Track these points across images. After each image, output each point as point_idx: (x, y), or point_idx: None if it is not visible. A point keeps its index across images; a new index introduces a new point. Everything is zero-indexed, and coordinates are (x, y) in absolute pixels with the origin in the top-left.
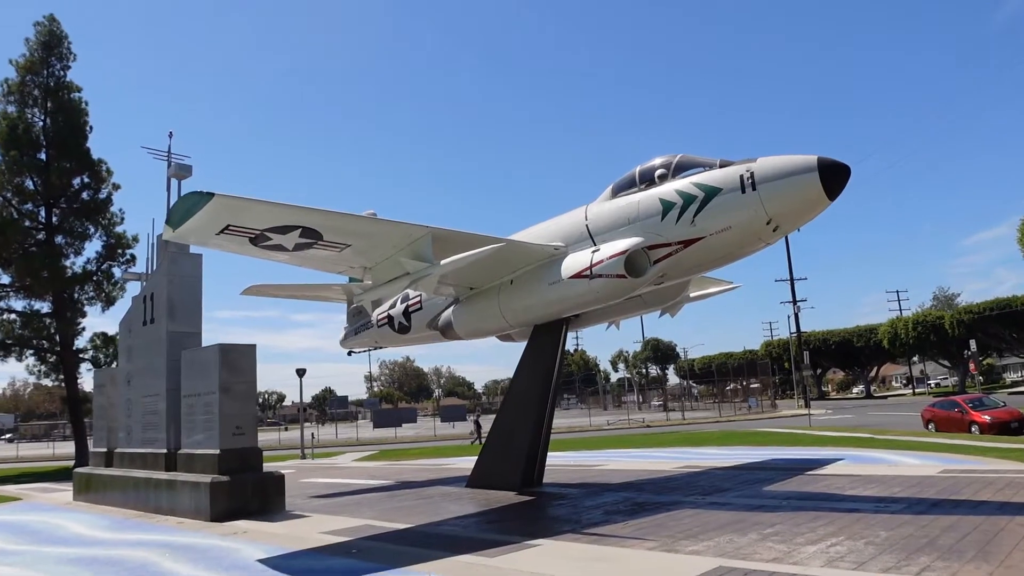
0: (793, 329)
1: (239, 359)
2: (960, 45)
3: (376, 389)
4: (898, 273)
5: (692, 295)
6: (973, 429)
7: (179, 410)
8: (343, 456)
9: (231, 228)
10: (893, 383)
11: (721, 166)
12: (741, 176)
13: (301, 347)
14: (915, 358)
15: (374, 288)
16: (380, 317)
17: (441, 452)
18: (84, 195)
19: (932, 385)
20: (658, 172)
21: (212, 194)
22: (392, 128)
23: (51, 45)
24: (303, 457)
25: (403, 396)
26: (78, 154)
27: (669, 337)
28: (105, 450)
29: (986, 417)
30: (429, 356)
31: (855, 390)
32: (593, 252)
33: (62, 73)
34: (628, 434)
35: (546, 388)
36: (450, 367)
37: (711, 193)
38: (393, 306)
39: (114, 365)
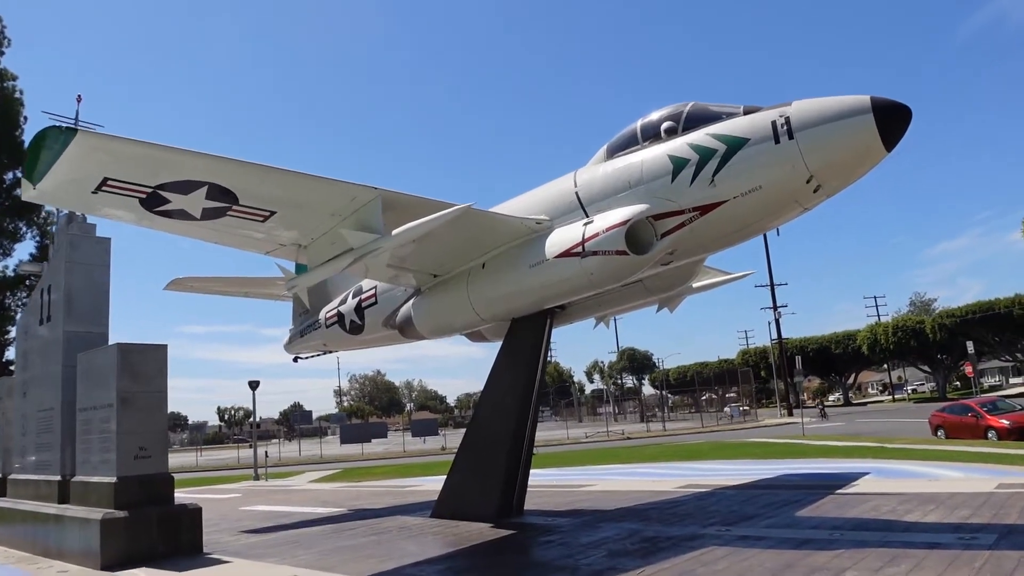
0: (772, 336)
1: (143, 362)
2: (919, 60)
3: (346, 404)
4: (865, 283)
5: (695, 285)
6: (990, 435)
7: (75, 428)
8: (301, 476)
9: (112, 183)
10: (869, 390)
11: (746, 112)
12: (773, 123)
13: (272, 362)
14: (886, 365)
15: (311, 271)
16: (329, 315)
17: (408, 471)
18: (17, 192)
19: (910, 391)
20: (665, 125)
21: (74, 130)
22: (359, 110)
23: None
24: (256, 478)
25: (374, 411)
26: (11, 147)
27: (644, 347)
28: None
29: (1004, 422)
30: (400, 370)
31: (831, 397)
32: (585, 225)
33: None
34: (609, 447)
35: (527, 395)
36: (422, 381)
37: (735, 145)
38: (344, 302)
39: None
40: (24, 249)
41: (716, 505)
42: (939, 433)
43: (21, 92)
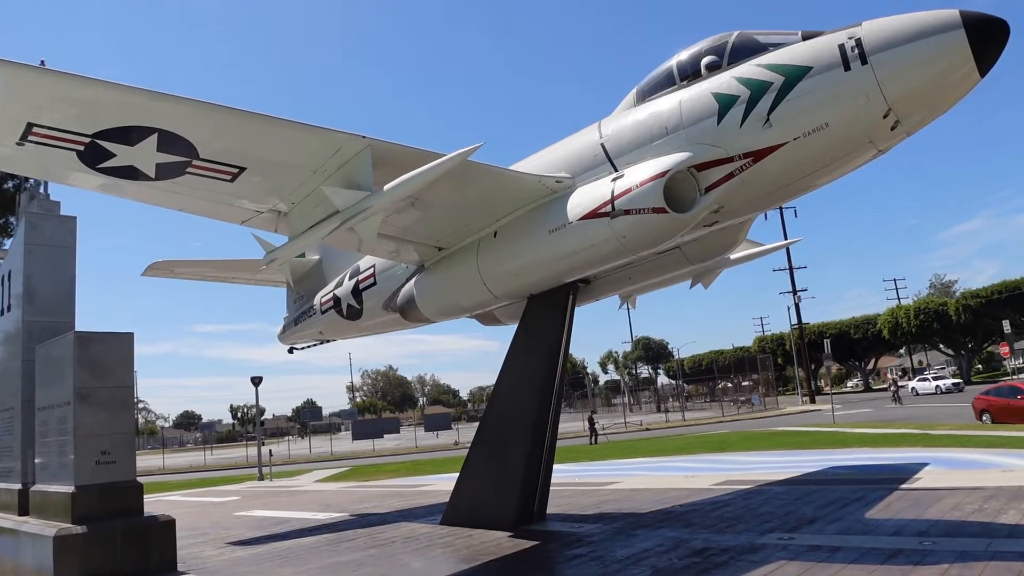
0: (789, 322)
1: (105, 354)
2: None
3: (359, 399)
4: (877, 267)
5: (733, 257)
6: None
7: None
8: (307, 476)
9: (40, 131)
10: (888, 375)
11: (805, 39)
12: (841, 46)
13: (285, 359)
14: (902, 350)
15: (292, 241)
16: (325, 300)
17: (419, 468)
18: (9, 185)
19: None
20: (706, 60)
21: None
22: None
23: None
24: (260, 479)
25: (387, 406)
26: None
27: (658, 335)
28: None
29: None
30: (413, 365)
31: (850, 384)
32: (615, 180)
33: None
34: (629, 439)
35: (547, 384)
36: (434, 375)
37: (795, 76)
38: (340, 284)
39: None
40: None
41: (766, 505)
42: (984, 418)
43: None
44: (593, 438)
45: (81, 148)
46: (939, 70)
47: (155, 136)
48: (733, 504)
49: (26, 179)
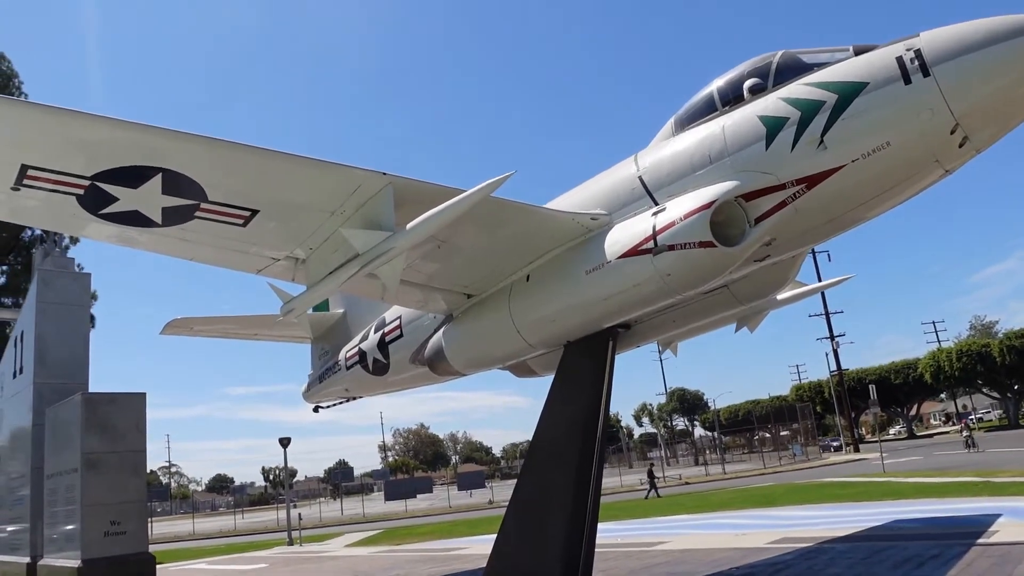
0: (826, 369)
1: (116, 416)
2: None
3: (391, 459)
4: (911, 312)
5: (780, 297)
6: None
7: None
8: (338, 539)
9: (36, 174)
10: (931, 421)
11: (857, 53)
12: (899, 59)
13: (316, 419)
14: (943, 395)
15: (310, 288)
16: (350, 355)
17: (453, 530)
18: (35, 250)
19: (975, 419)
20: (749, 83)
21: None
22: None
23: None
24: (290, 543)
25: (419, 465)
26: None
27: (692, 386)
28: None
29: None
30: (444, 423)
31: (892, 431)
32: (655, 214)
33: None
34: (670, 493)
35: (589, 437)
36: (466, 432)
37: (849, 93)
38: (365, 338)
39: None
40: None
41: (833, 567)
42: None
43: None
44: (652, 492)
45: (81, 192)
46: (1010, 79)
47: (159, 177)
48: (795, 566)
49: (45, 235)
